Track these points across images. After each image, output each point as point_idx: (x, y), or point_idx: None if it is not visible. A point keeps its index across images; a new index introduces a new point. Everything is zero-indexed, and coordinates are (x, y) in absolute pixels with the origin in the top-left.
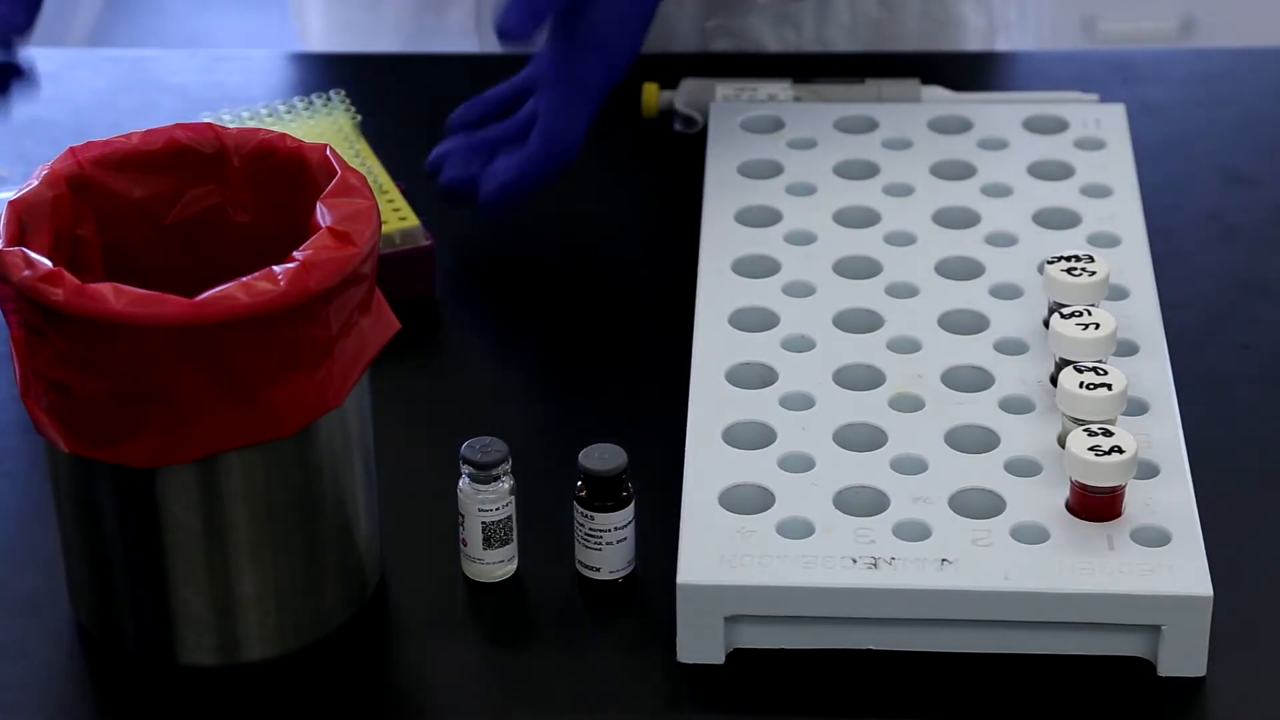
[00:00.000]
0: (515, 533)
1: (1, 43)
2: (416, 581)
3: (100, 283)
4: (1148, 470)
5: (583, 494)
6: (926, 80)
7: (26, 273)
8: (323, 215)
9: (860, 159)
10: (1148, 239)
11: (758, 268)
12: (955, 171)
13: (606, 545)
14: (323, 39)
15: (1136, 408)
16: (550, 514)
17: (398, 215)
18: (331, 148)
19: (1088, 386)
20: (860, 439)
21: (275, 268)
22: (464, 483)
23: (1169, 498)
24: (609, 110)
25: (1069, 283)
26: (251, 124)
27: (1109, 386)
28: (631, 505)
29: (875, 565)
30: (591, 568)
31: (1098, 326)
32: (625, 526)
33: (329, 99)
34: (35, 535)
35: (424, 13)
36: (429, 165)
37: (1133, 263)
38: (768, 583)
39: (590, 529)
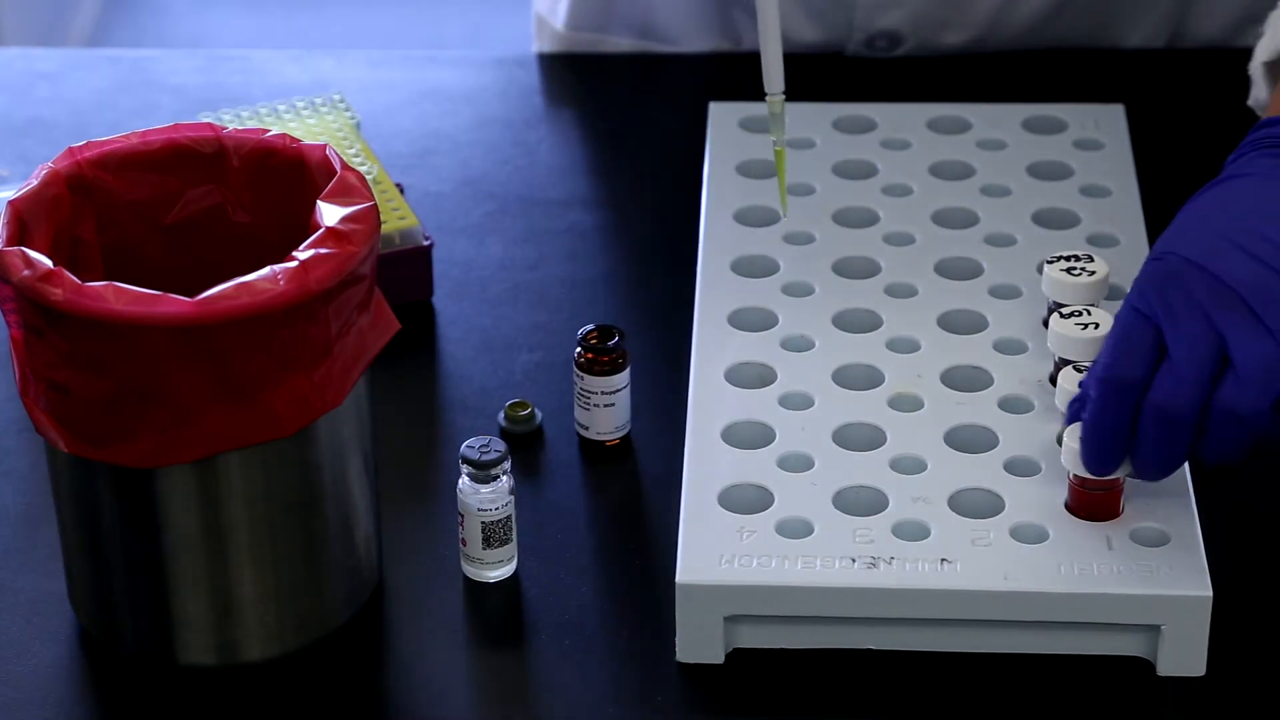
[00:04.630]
0: (515, 533)
1: None
2: (416, 581)
3: (100, 283)
4: None
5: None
6: None
7: (26, 273)
8: (323, 215)
9: (859, 159)
10: (1148, 239)
11: (757, 267)
12: (954, 172)
13: (594, 407)
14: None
15: None
16: (551, 514)
17: (398, 215)
18: (331, 148)
19: None
20: (860, 439)
21: (275, 268)
22: (464, 483)
23: (1169, 498)
24: (608, 110)
25: (1068, 283)
26: (251, 124)
27: None
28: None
29: (875, 565)
30: (583, 425)
31: (1097, 326)
32: (614, 392)
33: (329, 99)
34: (35, 535)
35: None
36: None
37: (1133, 263)
38: (767, 583)
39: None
